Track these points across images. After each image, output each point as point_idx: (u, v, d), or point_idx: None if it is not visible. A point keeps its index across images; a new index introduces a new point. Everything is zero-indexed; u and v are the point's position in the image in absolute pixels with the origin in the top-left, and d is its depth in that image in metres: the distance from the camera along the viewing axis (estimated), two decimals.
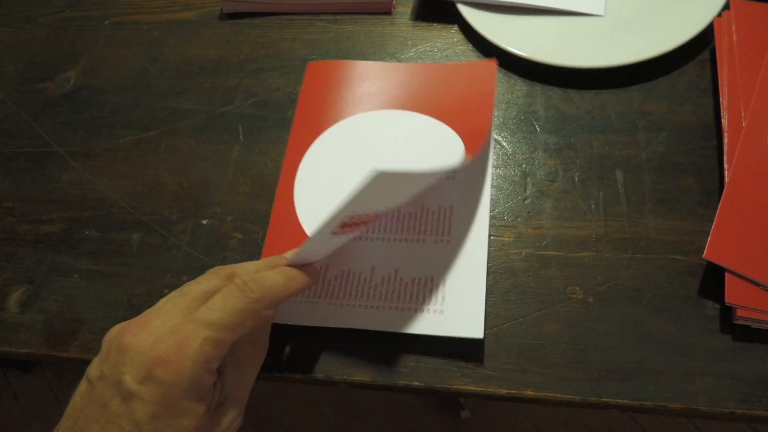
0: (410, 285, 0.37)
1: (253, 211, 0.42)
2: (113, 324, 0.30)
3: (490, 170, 0.41)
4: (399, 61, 0.49)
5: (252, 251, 0.41)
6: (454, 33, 0.50)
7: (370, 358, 0.35)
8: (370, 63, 0.48)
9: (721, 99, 0.40)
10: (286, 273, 0.31)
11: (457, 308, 0.35)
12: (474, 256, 0.37)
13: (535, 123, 0.44)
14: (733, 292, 0.33)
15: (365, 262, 0.38)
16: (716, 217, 0.35)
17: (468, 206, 0.39)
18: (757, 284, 0.33)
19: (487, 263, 0.37)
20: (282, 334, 0.37)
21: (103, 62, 0.54)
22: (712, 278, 0.35)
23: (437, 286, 0.36)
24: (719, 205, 0.35)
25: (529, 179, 0.41)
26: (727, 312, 0.34)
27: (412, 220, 0.39)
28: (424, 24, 0.51)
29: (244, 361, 0.32)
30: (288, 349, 0.37)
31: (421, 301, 0.36)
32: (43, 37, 0.57)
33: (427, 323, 0.35)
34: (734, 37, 0.42)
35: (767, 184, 0.36)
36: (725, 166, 0.37)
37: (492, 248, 0.38)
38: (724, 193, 0.36)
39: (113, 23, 0.56)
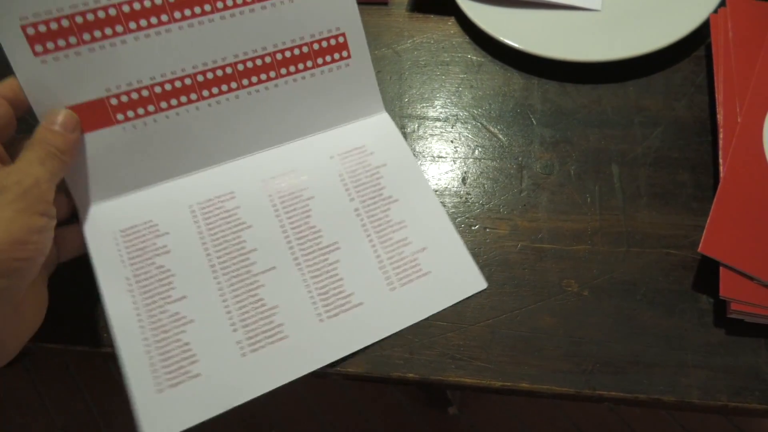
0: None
1: None
2: None
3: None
4: (396, 52, 0.48)
5: None
6: (450, 25, 0.50)
7: (363, 349, 0.35)
8: None
9: (716, 95, 0.40)
10: None
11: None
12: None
13: (531, 116, 0.43)
14: (728, 286, 0.33)
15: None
16: (711, 211, 0.35)
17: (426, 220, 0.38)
18: (752, 278, 0.33)
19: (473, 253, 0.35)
20: None
21: None
22: (707, 272, 0.35)
23: None
24: (714, 199, 0.35)
25: (525, 172, 0.41)
26: (721, 306, 0.34)
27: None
28: (420, 15, 0.51)
29: None
30: None
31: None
32: None
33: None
34: (730, 34, 0.42)
35: (762, 179, 0.36)
36: (720, 161, 0.37)
37: (488, 240, 0.38)
38: (719, 188, 0.36)
39: None
